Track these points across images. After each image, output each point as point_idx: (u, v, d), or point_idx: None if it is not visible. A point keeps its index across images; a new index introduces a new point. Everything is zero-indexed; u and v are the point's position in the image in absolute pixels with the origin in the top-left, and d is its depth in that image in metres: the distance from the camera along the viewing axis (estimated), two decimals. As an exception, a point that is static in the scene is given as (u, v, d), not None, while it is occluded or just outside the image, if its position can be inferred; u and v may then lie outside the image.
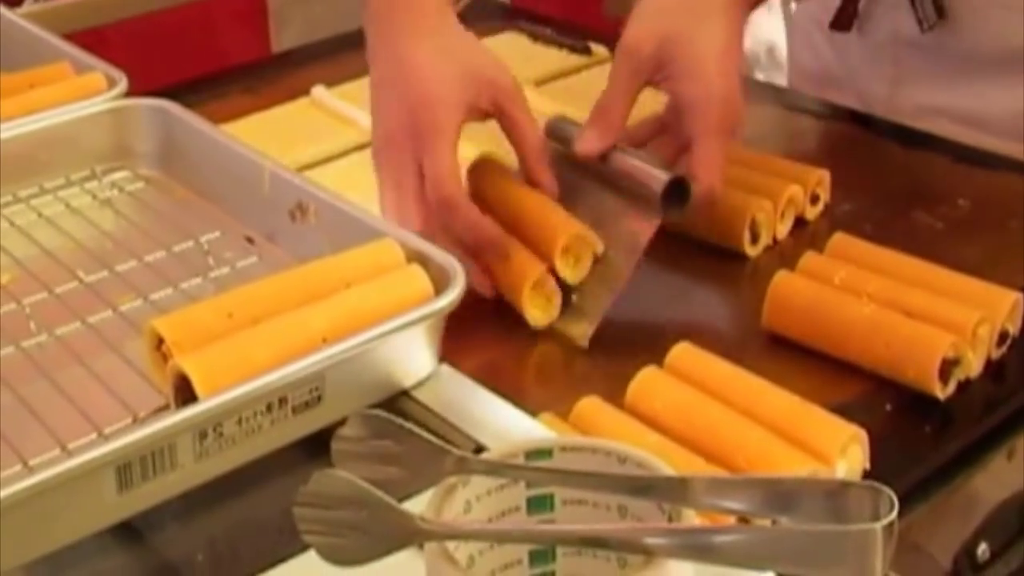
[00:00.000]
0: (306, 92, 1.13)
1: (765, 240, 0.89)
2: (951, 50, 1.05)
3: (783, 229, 0.91)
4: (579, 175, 0.86)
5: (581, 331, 0.81)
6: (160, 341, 0.67)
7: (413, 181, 0.81)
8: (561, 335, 0.81)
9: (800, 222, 0.92)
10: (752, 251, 0.89)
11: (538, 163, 0.85)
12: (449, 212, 0.80)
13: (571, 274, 0.82)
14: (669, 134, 0.87)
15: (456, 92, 0.82)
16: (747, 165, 0.93)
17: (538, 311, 0.81)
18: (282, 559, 0.60)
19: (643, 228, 0.82)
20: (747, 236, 0.88)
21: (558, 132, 0.87)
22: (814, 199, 0.93)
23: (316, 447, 0.64)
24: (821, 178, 0.93)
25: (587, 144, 0.85)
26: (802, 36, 1.20)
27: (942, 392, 0.74)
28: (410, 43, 0.83)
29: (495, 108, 0.84)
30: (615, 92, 0.85)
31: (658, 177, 0.81)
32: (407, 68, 0.82)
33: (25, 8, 1.29)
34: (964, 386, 0.75)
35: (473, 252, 0.82)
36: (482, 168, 0.88)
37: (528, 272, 0.81)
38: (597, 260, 0.82)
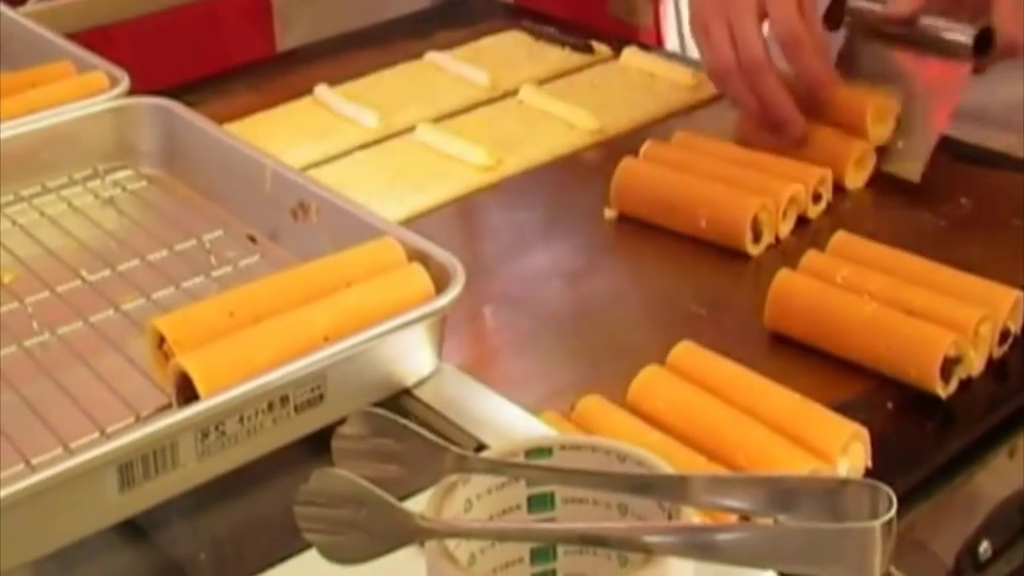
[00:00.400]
0: (310, 91, 1.13)
1: (767, 239, 0.89)
2: None
3: (785, 228, 0.91)
4: (883, 41, 0.97)
5: (914, 169, 0.94)
6: (162, 340, 0.67)
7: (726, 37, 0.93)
8: (893, 175, 0.95)
9: (802, 221, 0.92)
10: (754, 250, 0.89)
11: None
12: (756, 75, 0.93)
13: (881, 134, 0.96)
14: (962, 5, 0.94)
15: None
16: (749, 164, 0.93)
17: (858, 179, 0.95)
18: (284, 557, 0.60)
19: (956, 73, 0.93)
20: (749, 235, 0.88)
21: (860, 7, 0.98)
22: (816, 198, 0.93)
23: (317, 446, 0.64)
24: (823, 177, 0.93)
25: (900, 5, 0.94)
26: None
27: (944, 391, 0.74)
28: None
29: None
30: None
31: (967, 28, 0.92)
32: None
33: (28, 7, 1.29)
34: (966, 384, 0.75)
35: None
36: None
37: (849, 148, 0.95)
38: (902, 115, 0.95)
